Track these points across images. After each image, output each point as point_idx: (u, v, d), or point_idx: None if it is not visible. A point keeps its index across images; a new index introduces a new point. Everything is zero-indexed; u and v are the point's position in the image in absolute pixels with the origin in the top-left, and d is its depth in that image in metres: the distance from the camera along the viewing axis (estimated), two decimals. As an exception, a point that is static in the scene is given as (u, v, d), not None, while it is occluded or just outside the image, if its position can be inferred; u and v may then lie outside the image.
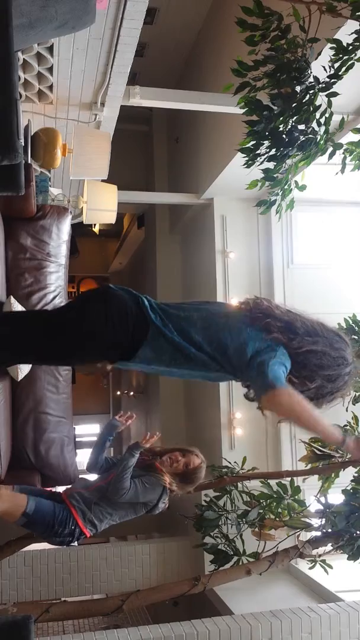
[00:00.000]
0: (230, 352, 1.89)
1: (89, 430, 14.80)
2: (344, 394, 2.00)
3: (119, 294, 1.98)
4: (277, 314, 1.95)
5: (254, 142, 3.20)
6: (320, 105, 3.11)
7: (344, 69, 2.98)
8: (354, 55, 2.94)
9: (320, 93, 3.06)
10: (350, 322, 5.68)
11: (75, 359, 2.21)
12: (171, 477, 3.00)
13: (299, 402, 1.80)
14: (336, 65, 2.98)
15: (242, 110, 3.25)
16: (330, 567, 3.96)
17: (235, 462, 4.41)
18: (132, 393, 11.15)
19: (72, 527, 2.86)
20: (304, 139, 3.15)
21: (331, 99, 3.09)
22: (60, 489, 3.21)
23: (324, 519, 3.94)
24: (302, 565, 5.12)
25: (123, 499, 2.85)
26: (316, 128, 3.17)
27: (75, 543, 2.94)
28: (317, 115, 3.13)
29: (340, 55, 2.95)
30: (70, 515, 2.85)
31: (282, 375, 1.82)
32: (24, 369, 3.64)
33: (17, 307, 3.71)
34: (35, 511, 2.79)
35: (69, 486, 3.10)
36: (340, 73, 3.00)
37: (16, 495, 2.82)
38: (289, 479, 4.11)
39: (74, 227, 4.97)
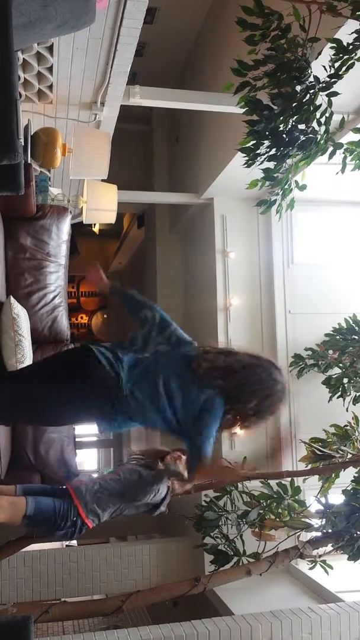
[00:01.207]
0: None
1: (89, 430, 14.78)
2: (281, 407, 2.40)
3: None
4: (218, 364, 2.32)
5: (254, 141, 3.20)
6: (320, 105, 3.11)
7: (344, 68, 2.98)
8: (354, 54, 2.94)
9: (321, 93, 3.06)
10: (351, 322, 5.69)
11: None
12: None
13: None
14: (336, 64, 2.98)
15: (242, 110, 3.24)
16: (331, 567, 3.95)
17: (235, 462, 4.40)
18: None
19: (74, 519, 2.88)
20: (304, 138, 3.14)
21: (331, 98, 3.09)
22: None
23: (324, 520, 3.93)
24: (302, 565, 5.12)
25: (138, 510, 2.97)
26: (316, 128, 3.16)
27: (75, 542, 2.96)
28: (318, 114, 3.12)
29: (341, 55, 2.95)
30: (71, 507, 2.88)
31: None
32: (23, 369, 3.63)
33: (17, 307, 3.70)
34: (36, 512, 2.81)
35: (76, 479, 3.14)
36: (340, 73, 2.99)
37: (15, 502, 2.82)
38: (289, 479, 4.11)
39: (74, 226, 4.97)
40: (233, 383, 2.29)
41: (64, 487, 3.05)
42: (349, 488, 3.97)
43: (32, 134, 4.19)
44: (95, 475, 3.19)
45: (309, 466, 4.22)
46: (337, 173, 3.42)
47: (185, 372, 2.32)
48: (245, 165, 3.33)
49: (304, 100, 3.05)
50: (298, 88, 3.03)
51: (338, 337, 5.69)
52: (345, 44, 2.93)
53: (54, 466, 3.96)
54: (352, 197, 6.28)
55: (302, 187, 3.46)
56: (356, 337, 5.60)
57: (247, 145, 3.25)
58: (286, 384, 2.39)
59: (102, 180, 4.87)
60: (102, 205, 4.94)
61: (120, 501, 2.97)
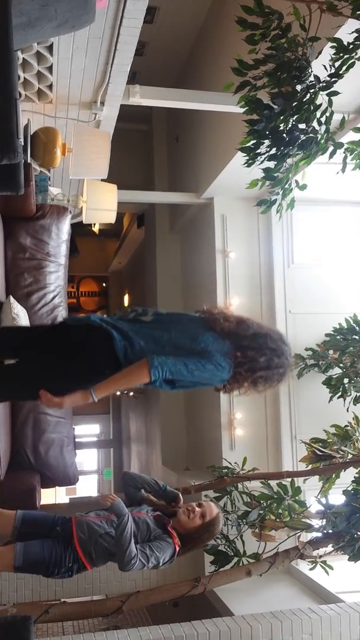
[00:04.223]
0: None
1: (88, 430, 14.80)
2: (288, 374, 2.40)
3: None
4: (227, 313, 2.37)
5: (254, 141, 3.19)
6: (320, 104, 3.10)
7: (344, 67, 2.97)
8: (354, 54, 2.93)
9: (321, 92, 3.05)
10: (351, 322, 5.68)
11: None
12: (186, 532, 2.87)
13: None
14: (337, 64, 2.97)
15: (243, 109, 3.24)
16: (331, 568, 3.95)
17: (235, 462, 4.40)
18: (132, 393, 11.15)
19: (69, 565, 2.77)
20: (304, 138, 3.13)
21: (332, 98, 3.08)
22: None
23: (324, 520, 3.93)
24: (303, 566, 5.11)
25: (133, 568, 2.67)
26: (317, 127, 3.16)
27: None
28: (318, 114, 3.11)
29: (341, 54, 2.94)
30: (67, 553, 2.76)
31: (168, 368, 2.17)
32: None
33: (17, 306, 3.70)
34: (25, 563, 2.73)
35: (82, 513, 2.96)
36: (340, 72, 2.98)
37: (2, 553, 2.76)
38: (289, 479, 4.10)
39: (74, 226, 4.96)
40: (245, 332, 2.29)
41: (65, 518, 2.89)
42: (349, 488, 3.96)
43: (31, 133, 4.18)
44: (101, 513, 2.95)
45: (310, 466, 4.22)
46: (337, 173, 3.42)
47: (196, 322, 2.35)
48: (246, 164, 3.32)
49: (304, 99, 3.04)
50: (298, 87, 3.03)
51: (338, 337, 5.69)
52: (345, 43, 2.92)
53: (54, 466, 3.96)
54: (352, 197, 6.28)
55: (303, 187, 3.45)
56: (356, 337, 5.60)
57: (247, 145, 3.24)
58: (292, 358, 2.43)
59: (102, 180, 4.86)
60: (102, 205, 4.94)
61: (112, 557, 2.81)
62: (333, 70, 2.98)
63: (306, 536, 4.18)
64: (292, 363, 2.43)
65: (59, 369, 2.28)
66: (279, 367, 2.33)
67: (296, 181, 3.46)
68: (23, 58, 3.83)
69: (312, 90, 3.03)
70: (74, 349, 2.26)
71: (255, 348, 2.28)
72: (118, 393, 13.45)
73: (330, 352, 5.72)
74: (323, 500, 4.02)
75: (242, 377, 2.29)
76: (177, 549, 2.82)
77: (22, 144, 2.92)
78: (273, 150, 3.19)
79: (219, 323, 2.30)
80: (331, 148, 3.26)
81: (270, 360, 2.29)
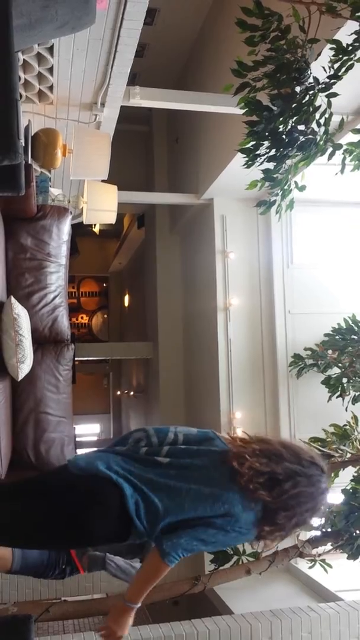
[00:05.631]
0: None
1: (89, 430, 14.81)
2: (322, 509, 2.13)
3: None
4: (259, 468, 1.98)
5: (254, 142, 3.21)
6: (320, 106, 3.12)
7: (343, 69, 2.99)
8: (353, 55, 2.95)
9: (320, 93, 3.07)
10: (350, 322, 5.70)
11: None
12: None
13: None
14: (336, 65, 2.98)
15: (242, 111, 3.25)
16: (330, 566, 3.97)
17: (235, 462, 4.40)
18: (132, 393, 11.18)
19: (63, 567, 2.85)
20: (303, 139, 3.15)
21: (331, 99, 3.10)
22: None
23: (323, 519, 3.94)
24: (302, 564, 5.13)
25: None
26: (316, 128, 3.17)
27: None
28: (317, 115, 3.13)
29: (340, 56, 2.95)
30: (61, 554, 2.84)
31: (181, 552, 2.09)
32: (24, 369, 3.64)
33: (18, 307, 3.71)
34: (22, 567, 2.80)
35: None
36: (339, 73, 3.00)
37: (3, 557, 2.80)
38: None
39: (74, 227, 4.98)
40: (279, 497, 1.96)
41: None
42: (348, 487, 3.98)
43: (32, 134, 4.20)
44: None
45: (309, 466, 4.23)
46: (336, 174, 3.43)
47: (219, 469, 2.01)
48: (245, 165, 3.34)
49: (304, 101, 3.06)
50: (298, 89, 3.04)
51: (337, 337, 5.71)
52: (344, 45, 2.93)
53: (55, 465, 3.97)
54: (351, 198, 6.30)
55: (302, 188, 3.47)
56: (355, 337, 5.61)
57: (246, 146, 3.26)
58: (328, 483, 2.10)
59: (102, 181, 4.88)
60: (102, 205, 4.95)
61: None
62: (332, 72, 3.00)
63: (305, 535, 4.20)
64: (326, 494, 2.07)
65: (53, 532, 2.01)
66: (310, 519, 2.08)
67: (295, 182, 3.48)
68: (24, 59, 3.85)
69: (311, 92, 3.05)
70: (75, 509, 1.96)
71: (287, 514, 1.98)
72: (118, 392, 13.48)
73: (329, 352, 5.74)
74: (322, 499, 4.03)
75: (269, 539, 2.08)
76: None
77: (23, 145, 2.93)
78: (272, 152, 3.21)
79: (251, 490, 1.95)
80: (330, 149, 3.27)
81: (301, 517, 2.02)
